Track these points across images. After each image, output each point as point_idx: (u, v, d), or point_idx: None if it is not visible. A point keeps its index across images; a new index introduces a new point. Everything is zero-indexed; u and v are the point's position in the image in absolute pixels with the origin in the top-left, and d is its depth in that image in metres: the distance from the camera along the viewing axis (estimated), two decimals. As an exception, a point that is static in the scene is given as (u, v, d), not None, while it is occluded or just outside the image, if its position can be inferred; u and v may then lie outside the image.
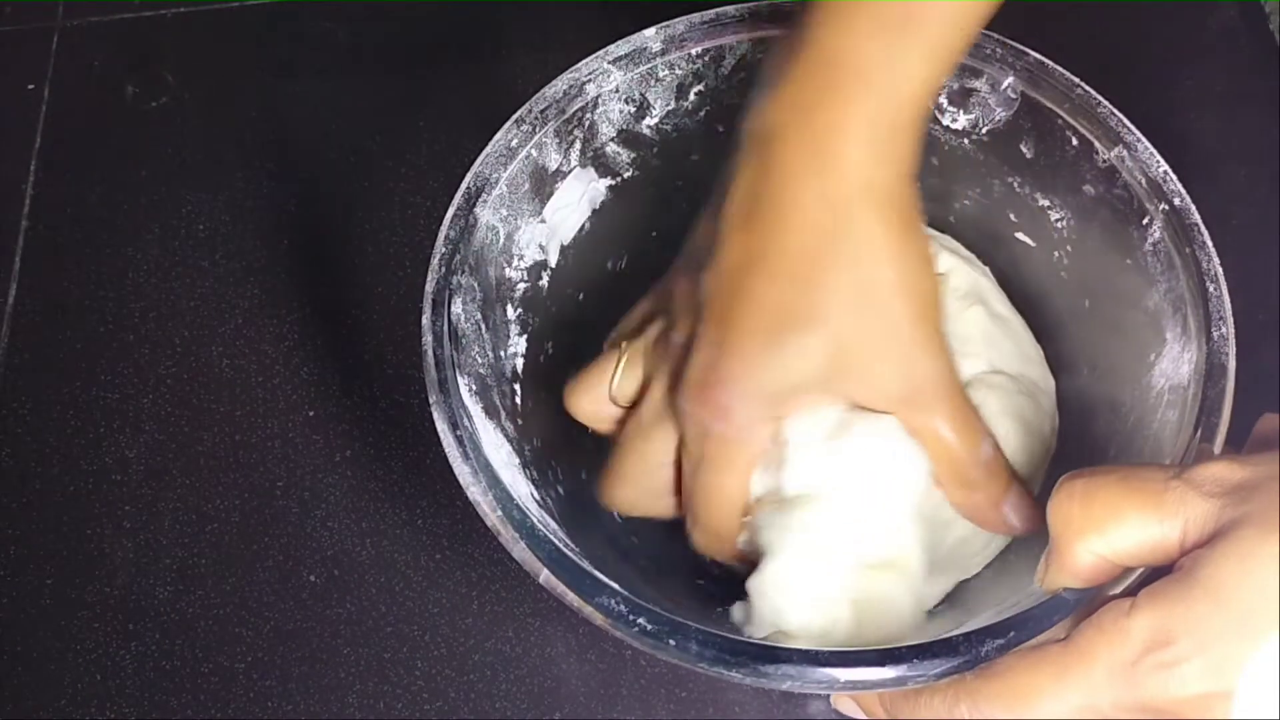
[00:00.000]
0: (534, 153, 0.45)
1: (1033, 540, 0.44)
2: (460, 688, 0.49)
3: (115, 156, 0.62)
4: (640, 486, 0.45)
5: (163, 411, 0.55)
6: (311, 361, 0.56)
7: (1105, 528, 0.34)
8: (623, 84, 0.46)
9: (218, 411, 0.55)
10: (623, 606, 0.37)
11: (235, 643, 0.50)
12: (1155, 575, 0.34)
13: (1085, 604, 0.36)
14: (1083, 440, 0.46)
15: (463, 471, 0.39)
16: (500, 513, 0.39)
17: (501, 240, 0.45)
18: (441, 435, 0.40)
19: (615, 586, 0.37)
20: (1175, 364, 0.42)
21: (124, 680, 0.50)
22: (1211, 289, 0.41)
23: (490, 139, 0.45)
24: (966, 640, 0.36)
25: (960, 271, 0.48)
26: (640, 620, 0.37)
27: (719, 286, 0.41)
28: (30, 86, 0.63)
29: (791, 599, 0.41)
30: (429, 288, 0.43)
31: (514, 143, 0.45)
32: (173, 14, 0.65)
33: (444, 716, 0.49)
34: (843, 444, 0.41)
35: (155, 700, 0.49)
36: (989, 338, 0.47)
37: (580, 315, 0.50)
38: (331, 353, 0.56)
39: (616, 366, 0.45)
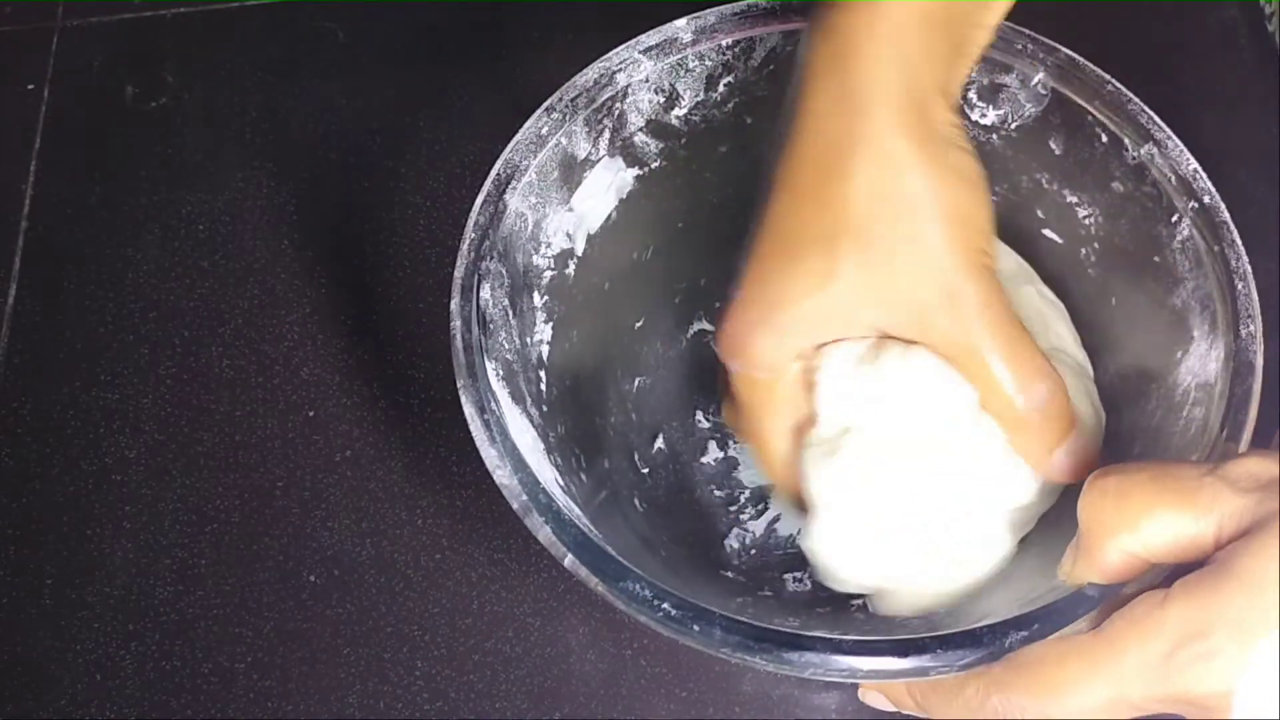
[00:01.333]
0: (563, 141, 0.45)
1: (1047, 534, 0.44)
2: (460, 688, 0.49)
3: (115, 156, 0.62)
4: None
5: (163, 411, 0.55)
6: (311, 361, 0.56)
7: (1139, 525, 0.34)
8: (653, 74, 0.46)
9: (218, 411, 0.55)
10: (647, 591, 0.37)
11: (235, 643, 0.50)
12: (1180, 571, 0.33)
13: (1110, 599, 0.35)
14: (1108, 436, 0.46)
15: (490, 455, 0.39)
16: (526, 497, 0.39)
17: (530, 227, 0.45)
18: (469, 419, 0.40)
19: (639, 572, 0.37)
20: (1202, 361, 0.41)
21: (124, 680, 0.50)
22: (1240, 287, 0.41)
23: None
24: (990, 632, 0.36)
25: (1006, 255, 0.48)
26: (665, 605, 0.36)
27: (758, 221, 0.39)
28: (30, 86, 0.63)
29: (841, 558, 0.39)
30: (458, 273, 0.42)
31: (544, 130, 0.45)
32: (173, 14, 0.65)
33: (444, 716, 0.49)
34: (875, 369, 0.38)
35: (155, 700, 0.49)
36: (1044, 318, 0.46)
37: (606, 304, 0.50)
38: (331, 353, 0.56)
39: None
